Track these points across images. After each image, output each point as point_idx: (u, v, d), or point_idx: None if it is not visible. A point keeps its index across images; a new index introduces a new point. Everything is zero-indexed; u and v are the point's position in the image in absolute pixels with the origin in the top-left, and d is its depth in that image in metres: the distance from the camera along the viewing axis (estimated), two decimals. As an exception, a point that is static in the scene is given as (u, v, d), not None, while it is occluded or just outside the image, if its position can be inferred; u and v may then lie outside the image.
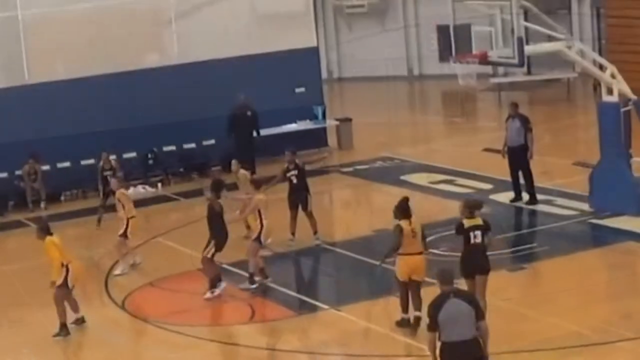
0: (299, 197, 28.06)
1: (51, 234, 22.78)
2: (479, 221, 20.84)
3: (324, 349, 21.36)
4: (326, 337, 22.18)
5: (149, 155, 36.37)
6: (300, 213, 28.04)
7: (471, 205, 21.09)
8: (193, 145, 37.03)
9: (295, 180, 28.18)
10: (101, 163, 32.18)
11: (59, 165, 34.85)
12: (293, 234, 28.28)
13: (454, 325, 15.86)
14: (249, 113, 35.97)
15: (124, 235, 27.01)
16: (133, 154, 35.93)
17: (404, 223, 21.95)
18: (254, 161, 35.55)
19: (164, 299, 25.27)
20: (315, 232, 28.09)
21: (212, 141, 37.12)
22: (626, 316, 22.37)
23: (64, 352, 22.73)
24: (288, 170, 28.39)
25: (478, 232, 20.67)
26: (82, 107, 34.76)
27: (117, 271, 27.00)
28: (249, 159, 35.17)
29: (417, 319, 21.60)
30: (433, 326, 15.94)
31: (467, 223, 20.70)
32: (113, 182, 28.42)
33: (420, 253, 21.96)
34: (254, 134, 36.41)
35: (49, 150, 34.11)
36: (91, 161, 34.63)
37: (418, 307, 21.39)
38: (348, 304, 23.06)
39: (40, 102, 34.69)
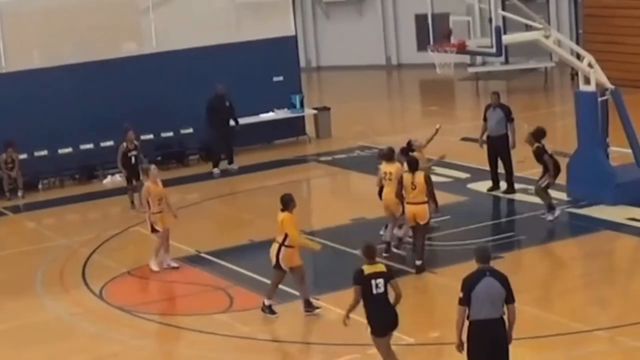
0: None
1: None
2: (381, 268, 18.54)
3: (302, 338, 21.47)
4: (303, 326, 22.28)
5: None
6: None
7: (368, 250, 18.73)
8: (171, 133, 37.04)
9: None
10: (125, 144, 31.54)
11: (36, 154, 34.74)
12: None
13: (485, 304, 16.11)
14: (227, 103, 35.89)
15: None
16: (110, 143, 35.91)
17: (405, 175, 24.39)
18: (232, 151, 35.84)
19: (142, 288, 25.25)
20: None
21: (190, 130, 37.18)
22: (602, 305, 22.61)
23: (40, 340, 22.72)
24: None
25: (380, 281, 18.27)
26: (59, 96, 34.74)
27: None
28: (227, 149, 35.37)
29: (419, 268, 23.86)
30: (465, 301, 16.14)
31: (367, 269, 18.40)
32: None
33: (423, 203, 24.17)
34: (233, 123, 36.33)
35: (27, 138, 34.05)
36: (69, 149, 34.77)
37: (420, 254, 23.05)
38: (326, 292, 23.13)
39: (17, 90, 34.68)
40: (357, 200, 29.71)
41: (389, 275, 18.32)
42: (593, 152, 29.12)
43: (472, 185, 31.04)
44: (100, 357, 21.77)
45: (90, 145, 35.03)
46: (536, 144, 26.66)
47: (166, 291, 25.30)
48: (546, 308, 22.07)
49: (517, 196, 30.02)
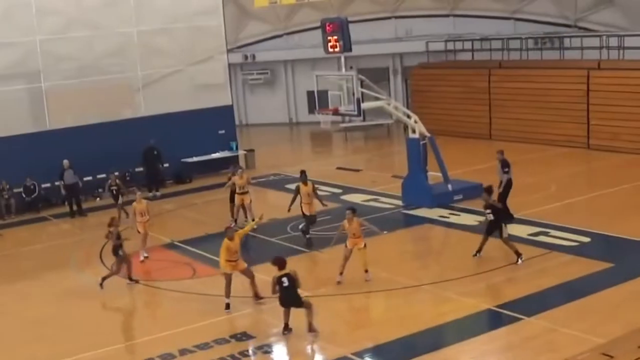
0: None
1: None
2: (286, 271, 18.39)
3: (239, 293, 21.53)
4: (240, 286, 22.34)
5: (127, 174, 36.06)
6: None
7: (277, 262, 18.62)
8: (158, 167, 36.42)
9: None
10: (109, 181, 31.07)
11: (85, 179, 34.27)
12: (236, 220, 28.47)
13: None
14: (155, 152, 35.40)
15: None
16: (116, 173, 35.58)
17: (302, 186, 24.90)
18: (158, 183, 35.73)
19: (138, 265, 24.82)
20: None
21: (167, 164, 36.60)
22: (425, 268, 22.85)
23: (73, 297, 22.64)
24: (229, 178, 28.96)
25: (284, 279, 18.25)
26: (83, 142, 34.31)
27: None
28: (155, 182, 35.48)
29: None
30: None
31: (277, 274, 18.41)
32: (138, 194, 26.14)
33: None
34: (159, 165, 35.85)
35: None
36: (89, 178, 34.56)
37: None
38: (258, 264, 23.01)
39: (58, 140, 34.22)
40: (272, 207, 29.66)
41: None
42: (417, 175, 29.42)
43: (344, 197, 31.17)
44: (112, 308, 21.76)
45: (103, 175, 34.73)
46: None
47: (152, 266, 25.04)
48: (390, 272, 22.19)
49: (372, 203, 30.11)
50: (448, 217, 27.69)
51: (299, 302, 18.38)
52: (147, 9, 37.17)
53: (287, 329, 18.57)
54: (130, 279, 23.32)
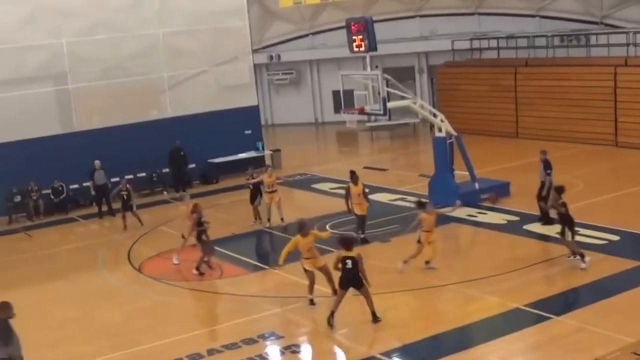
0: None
1: None
2: (352, 254, 18.53)
3: (264, 293, 21.54)
4: (268, 286, 22.32)
5: (154, 175, 36.25)
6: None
7: (344, 242, 18.84)
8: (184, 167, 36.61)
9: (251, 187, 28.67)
10: (120, 186, 30.43)
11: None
12: (256, 218, 28.69)
13: None
14: (181, 153, 35.60)
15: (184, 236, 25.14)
16: (143, 174, 35.84)
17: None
18: (184, 184, 35.90)
19: (166, 265, 25.13)
20: (268, 220, 28.46)
21: (193, 165, 36.89)
22: (452, 268, 22.73)
23: (102, 298, 22.69)
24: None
25: (349, 261, 18.40)
26: (110, 144, 34.48)
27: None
28: (181, 183, 35.64)
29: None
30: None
31: (342, 254, 18.62)
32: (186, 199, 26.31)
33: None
34: (186, 166, 36.16)
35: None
36: (117, 179, 34.47)
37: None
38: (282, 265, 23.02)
39: (84, 141, 34.43)
40: (299, 207, 29.69)
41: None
42: (444, 174, 29.39)
43: (372, 197, 30.99)
44: (141, 307, 21.78)
45: (130, 176, 34.87)
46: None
47: (179, 266, 25.00)
48: (418, 271, 22.06)
49: (398, 202, 30.06)
50: (476, 216, 27.58)
51: (359, 283, 18.41)
52: (172, 10, 37.31)
53: (332, 317, 18.56)
54: (197, 268, 23.68)
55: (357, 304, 19.58)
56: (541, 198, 25.43)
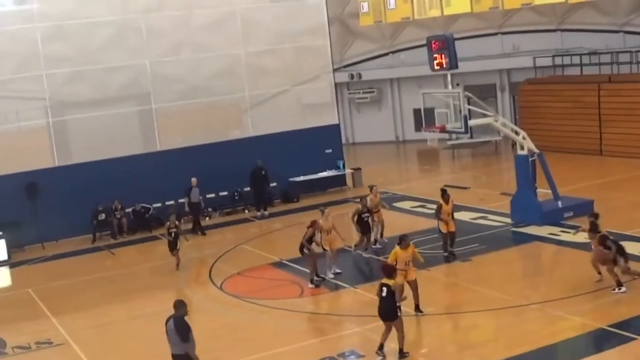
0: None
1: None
2: (389, 282, 17.80)
3: (347, 312, 21.51)
4: (348, 305, 22.29)
5: (235, 193, 36.51)
6: None
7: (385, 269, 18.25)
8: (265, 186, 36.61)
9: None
10: (168, 223, 28.35)
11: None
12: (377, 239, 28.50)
13: None
14: (263, 172, 35.41)
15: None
16: (225, 192, 36.14)
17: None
18: (266, 203, 35.68)
19: (247, 283, 25.28)
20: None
21: (274, 184, 36.94)
22: (534, 288, 22.47)
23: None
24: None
25: (385, 288, 17.70)
26: (192, 163, 34.68)
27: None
28: (262, 202, 35.45)
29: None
30: None
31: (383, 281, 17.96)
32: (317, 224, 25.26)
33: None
34: (267, 185, 35.87)
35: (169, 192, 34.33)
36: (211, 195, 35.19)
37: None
38: (362, 284, 23.06)
39: (167, 160, 34.91)
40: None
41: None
42: (527, 192, 29.06)
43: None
44: (222, 325, 21.90)
45: (212, 195, 35.24)
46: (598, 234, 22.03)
47: (261, 284, 25.18)
48: (498, 290, 21.91)
49: (479, 220, 29.89)
50: (559, 235, 27.22)
51: (391, 316, 17.75)
52: (254, 30, 37.64)
53: (381, 349, 18.05)
54: (312, 280, 24.16)
55: (434, 325, 19.47)
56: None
